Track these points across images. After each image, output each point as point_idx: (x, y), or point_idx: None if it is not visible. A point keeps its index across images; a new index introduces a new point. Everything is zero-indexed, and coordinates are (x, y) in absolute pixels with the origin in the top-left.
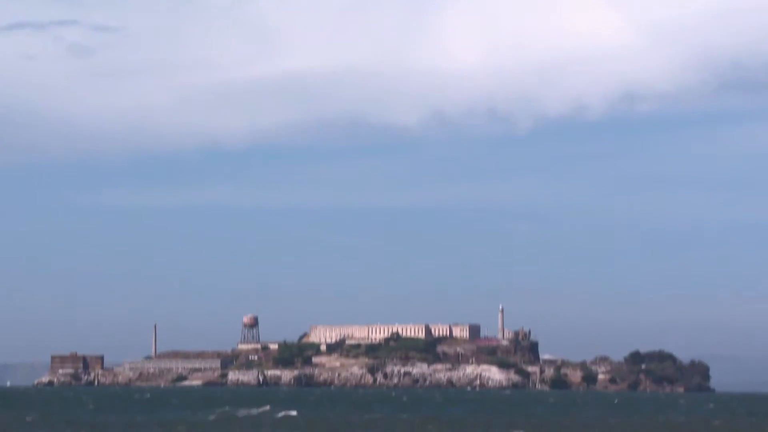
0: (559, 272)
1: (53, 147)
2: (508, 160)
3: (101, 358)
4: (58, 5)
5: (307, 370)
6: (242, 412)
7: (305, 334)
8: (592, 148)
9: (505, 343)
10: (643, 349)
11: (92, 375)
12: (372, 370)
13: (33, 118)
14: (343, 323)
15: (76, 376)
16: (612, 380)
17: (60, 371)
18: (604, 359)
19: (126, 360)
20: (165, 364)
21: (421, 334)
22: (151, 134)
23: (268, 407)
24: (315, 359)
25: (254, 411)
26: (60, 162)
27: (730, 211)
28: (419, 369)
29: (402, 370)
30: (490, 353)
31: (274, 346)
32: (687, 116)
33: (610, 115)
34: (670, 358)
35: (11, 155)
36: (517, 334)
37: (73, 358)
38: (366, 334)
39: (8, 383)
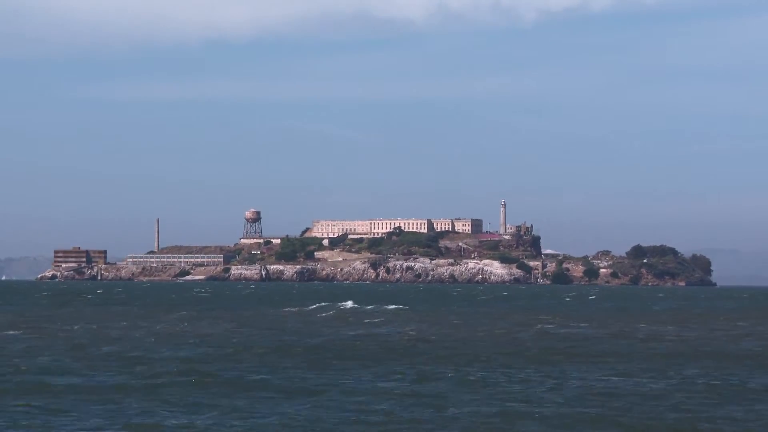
0: (562, 167)
1: (53, 39)
2: (512, 54)
3: (104, 253)
4: None
5: (310, 265)
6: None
7: (307, 229)
8: (597, 40)
9: (507, 237)
10: (645, 243)
11: (95, 269)
12: (374, 265)
13: (32, 9)
14: (346, 218)
15: (79, 271)
16: (614, 274)
17: (63, 265)
18: (605, 253)
19: (129, 254)
20: (168, 258)
21: (424, 229)
22: (154, 26)
23: (349, 303)
24: (317, 254)
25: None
26: (60, 55)
27: (732, 104)
28: (421, 264)
29: (404, 265)
30: (492, 248)
31: (276, 241)
32: (694, 7)
33: (615, 7)
34: (672, 252)
35: (10, 48)
36: (519, 228)
37: (76, 252)
38: (368, 229)
39: (3, 277)
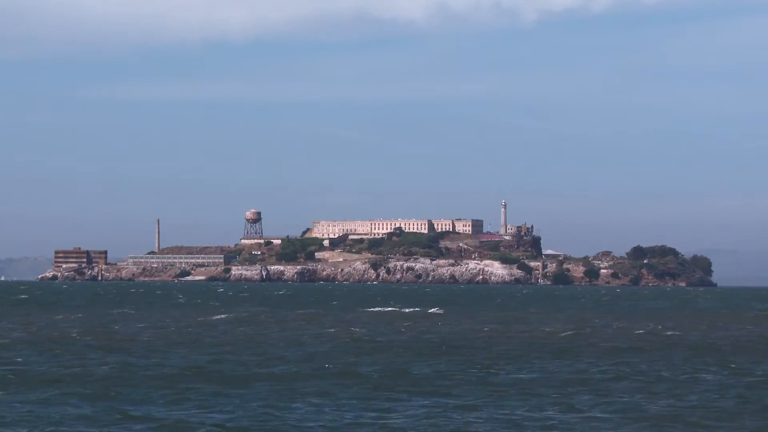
0: (562, 167)
1: (55, 40)
2: (513, 54)
3: (104, 253)
4: None
5: (310, 266)
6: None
7: (308, 230)
8: (597, 41)
9: (507, 238)
10: (645, 243)
11: (96, 270)
12: (375, 266)
13: (32, 9)
14: (346, 218)
15: (79, 271)
16: (614, 275)
17: (63, 266)
18: (606, 254)
19: (129, 255)
20: (168, 258)
21: (424, 229)
22: (154, 26)
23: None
24: (318, 254)
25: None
26: (62, 55)
27: (733, 104)
28: (422, 264)
29: (405, 265)
30: (492, 248)
31: (277, 242)
32: (693, 8)
33: (615, 8)
34: (672, 252)
35: (12, 48)
36: (519, 229)
37: (77, 252)
38: (369, 230)
39: (2, 278)
